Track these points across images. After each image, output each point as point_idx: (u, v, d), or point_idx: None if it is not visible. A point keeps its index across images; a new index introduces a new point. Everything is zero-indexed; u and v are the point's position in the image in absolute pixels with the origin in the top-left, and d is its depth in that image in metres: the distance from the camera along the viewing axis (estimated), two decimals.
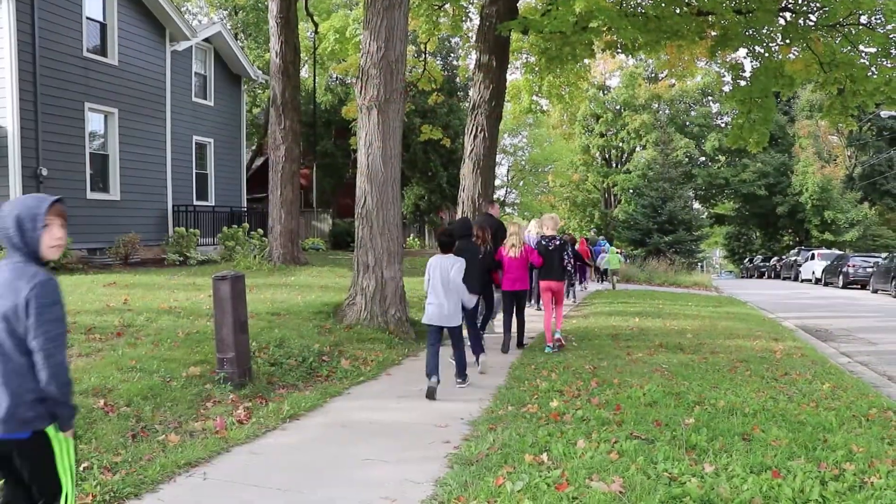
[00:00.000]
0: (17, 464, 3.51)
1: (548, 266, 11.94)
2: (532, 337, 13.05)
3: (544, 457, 5.85)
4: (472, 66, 22.65)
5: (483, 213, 14.66)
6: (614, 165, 65.35)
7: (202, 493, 5.32)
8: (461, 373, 9.23)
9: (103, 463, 5.60)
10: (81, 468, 5.47)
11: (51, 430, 3.54)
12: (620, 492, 5.08)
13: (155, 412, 6.91)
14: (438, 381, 8.50)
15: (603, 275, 31.07)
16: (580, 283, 25.81)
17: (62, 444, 3.59)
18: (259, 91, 44.24)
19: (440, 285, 8.94)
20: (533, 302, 17.23)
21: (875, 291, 31.36)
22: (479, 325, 11.44)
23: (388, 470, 5.82)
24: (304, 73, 39.46)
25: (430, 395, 8.38)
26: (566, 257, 12.26)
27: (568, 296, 19.94)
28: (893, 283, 28.80)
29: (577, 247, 21.66)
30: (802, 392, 8.61)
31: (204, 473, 5.69)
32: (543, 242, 12.05)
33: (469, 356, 9.64)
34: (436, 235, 10.09)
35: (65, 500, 3.62)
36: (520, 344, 12.17)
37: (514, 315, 12.11)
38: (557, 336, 11.84)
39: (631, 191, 58.78)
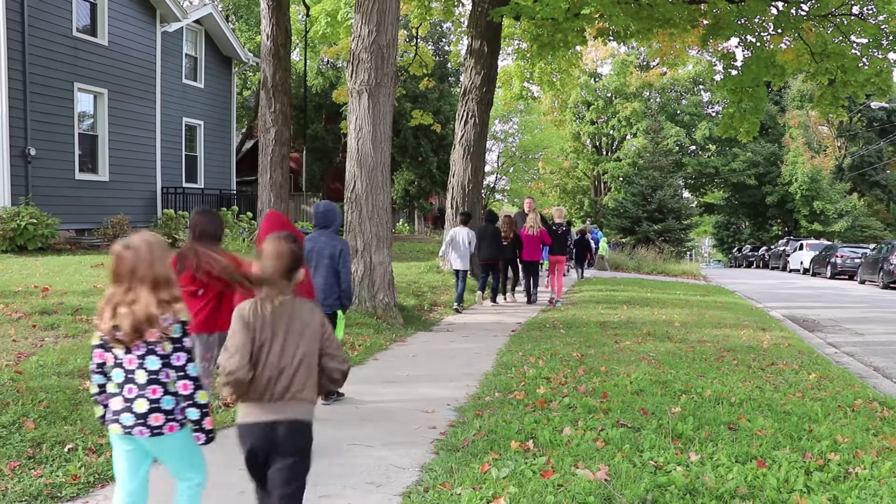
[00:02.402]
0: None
1: (555, 245, 16.91)
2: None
3: (530, 444, 5.85)
4: (463, 52, 22.62)
5: (520, 211, 18.79)
6: (604, 153, 65.28)
7: None
8: (460, 299, 15.15)
9: (88, 445, 5.59)
10: (66, 449, 5.46)
11: (339, 312, 7.53)
12: (606, 479, 5.08)
13: None
14: (482, 295, 16.47)
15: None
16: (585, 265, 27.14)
17: (341, 318, 7.65)
18: (250, 74, 44.07)
19: (462, 246, 15.23)
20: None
21: (863, 282, 31.47)
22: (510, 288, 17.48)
23: (373, 455, 5.82)
24: (296, 56, 39.32)
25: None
26: (569, 239, 18.34)
27: (577, 274, 25.68)
28: (881, 274, 28.89)
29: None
30: (789, 382, 8.63)
31: None
32: (554, 228, 17.11)
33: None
34: (459, 214, 17.20)
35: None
36: (533, 300, 16.95)
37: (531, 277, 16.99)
38: (558, 303, 16.45)
39: (621, 179, 58.76)
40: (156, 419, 3.60)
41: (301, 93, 38.59)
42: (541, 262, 17.49)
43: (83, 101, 21.18)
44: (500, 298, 16.84)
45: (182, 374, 3.64)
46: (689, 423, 6.44)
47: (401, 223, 43.86)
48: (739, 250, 63.71)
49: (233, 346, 3.61)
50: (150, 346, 3.59)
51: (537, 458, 5.51)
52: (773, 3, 18.98)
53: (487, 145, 24.34)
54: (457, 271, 15.44)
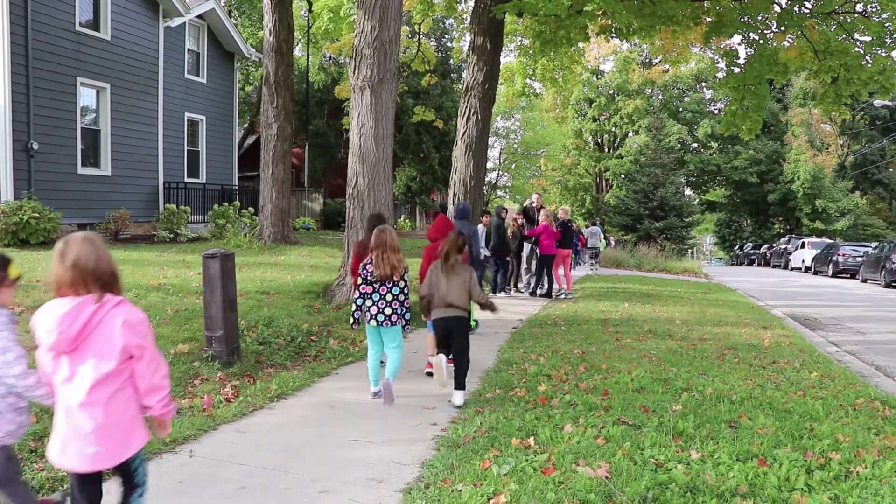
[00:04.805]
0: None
1: (564, 240, 17.88)
2: (521, 320, 13.08)
3: (531, 441, 5.86)
4: (466, 48, 22.58)
5: (530, 207, 19.49)
6: (606, 150, 65.29)
7: (188, 470, 5.31)
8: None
9: None
10: None
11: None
12: (606, 477, 5.09)
13: None
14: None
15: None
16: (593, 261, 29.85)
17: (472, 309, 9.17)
18: (252, 69, 44.07)
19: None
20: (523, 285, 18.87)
21: (864, 281, 31.45)
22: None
23: (374, 451, 5.82)
24: (298, 51, 39.29)
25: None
26: (575, 236, 20.90)
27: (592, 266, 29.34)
28: (883, 272, 28.87)
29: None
30: (790, 381, 8.63)
31: (190, 451, 5.68)
32: (568, 224, 18.48)
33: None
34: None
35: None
36: (549, 294, 17.78)
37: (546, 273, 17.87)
38: (570, 294, 17.88)
39: (622, 176, 58.75)
40: (394, 318, 7.37)
41: (303, 88, 38.60)
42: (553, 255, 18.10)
43: (86, 96, 21.15)
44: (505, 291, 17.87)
45: (405, 295, 7.43)
46: (690, 421, 6.45)
47: (402, 219, 43.89)
48: (741, 248, 63.65)
49: (423, 283, 7.67)
50: (395, 282, 7.36)
51: (538, 456, 5.51)
52: (777, 1, 18.94)
53: (489, 142, 24.34)
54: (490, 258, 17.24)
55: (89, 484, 3.82)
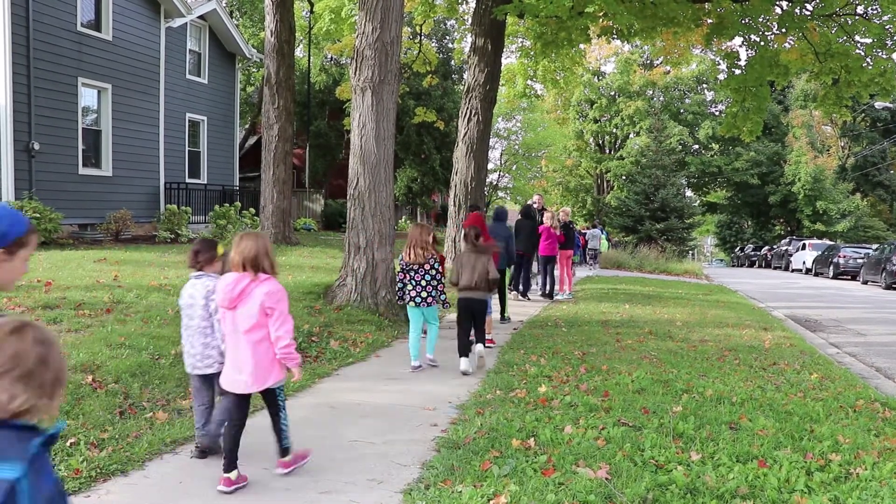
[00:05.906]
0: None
1: (566, 241, 17.84)
2: (521, 321, 13.09)
3: (531, 442, 5.86)
4: (467, 49, 22.61)
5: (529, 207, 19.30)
6: (607, 151, 65.25)
7: (189, 470, 5.32)
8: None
9: (90, 439, 5.59)
10: (68, 444, 5.47)
11: (506, 268, 13.52)
12: (607, 478, 5.09)
13: (143, 389, 6.90)
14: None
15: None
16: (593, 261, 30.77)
17: (508, 271, 13.78)
18: (253, 70, 44.09)
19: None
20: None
21: (865, 282, 31.44)
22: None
23: (374, 451, 5.82)
24: (299, 52, 39.32)
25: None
26: (576, 237, 21.55)
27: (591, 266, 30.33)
28: (883, 274, 28.86)
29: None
30: (790, 382, 8.64)
31: (191, 451, 5.68)
32: (570, 225, 18.68)
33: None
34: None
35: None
36: (550, 295, 17.67)
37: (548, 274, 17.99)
38: (570, 295, 18.02)
39: (623, 177, 58.71)
40: (429, 299, 8.93)
41: (304, 89, 38.60)
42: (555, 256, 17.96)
43: (87, 96, 21.16)
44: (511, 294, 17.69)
45: (437, 280, 8.94)
46: (691, 423, 6.45)
47: (403, 220, 43.89)
48: (742, 250, 63.63)
49: (451, 269, 9.35)
50: (426, 269, 8.85)
51: (538, 457, 5.52)
52: (778, 3, 18.96)
53: (490, 143, 24.36)
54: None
55: (241, 404, 5.24)
